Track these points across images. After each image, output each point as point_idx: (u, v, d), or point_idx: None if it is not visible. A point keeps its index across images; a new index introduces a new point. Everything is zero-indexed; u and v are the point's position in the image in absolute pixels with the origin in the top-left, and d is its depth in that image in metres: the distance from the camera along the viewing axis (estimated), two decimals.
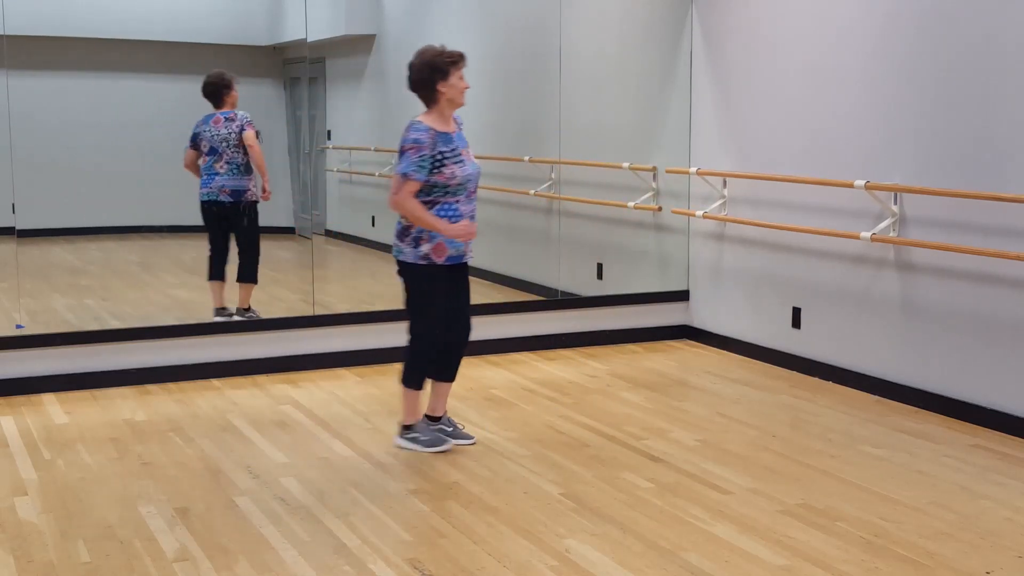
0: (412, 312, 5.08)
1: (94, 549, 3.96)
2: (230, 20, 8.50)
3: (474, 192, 5.03)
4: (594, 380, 6.44)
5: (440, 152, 4.85)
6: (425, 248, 4.91)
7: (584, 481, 4.67)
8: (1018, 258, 5.05)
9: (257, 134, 7.17)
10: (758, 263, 6.90)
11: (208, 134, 7.10)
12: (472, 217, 4.99)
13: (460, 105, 4.97)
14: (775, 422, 5.56)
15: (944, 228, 5.56)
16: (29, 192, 6.90)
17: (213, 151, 7.10)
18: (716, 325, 7.33)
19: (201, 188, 7.17)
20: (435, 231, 4.88)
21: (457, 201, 4.92)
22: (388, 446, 5.17)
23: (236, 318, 7.06)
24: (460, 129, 5.05)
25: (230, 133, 7.07)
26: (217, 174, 7.11)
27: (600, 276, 7.86)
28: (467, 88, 4.96)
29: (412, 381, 5.11)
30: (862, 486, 4.59)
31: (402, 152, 4.86)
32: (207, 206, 7.16)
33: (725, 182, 7.07)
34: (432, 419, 5.20)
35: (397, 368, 6.71)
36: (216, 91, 7.12)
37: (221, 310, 7.12)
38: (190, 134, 7.15)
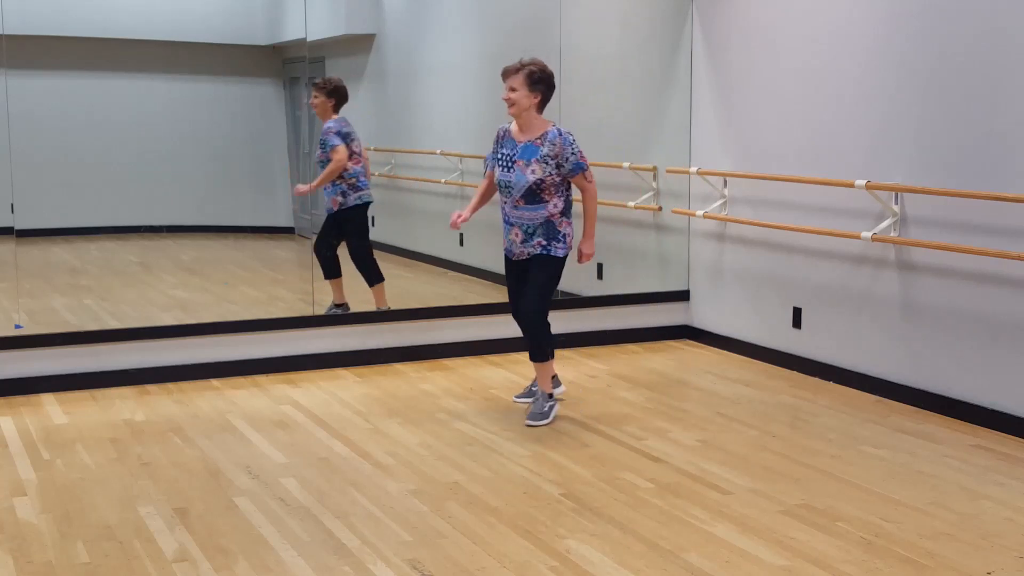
0: None
1: (93, 550, 3.95)
2: (230, 20, 8.50)
3: (508, 199, 5.56)
4: (594, 380, 6.43)
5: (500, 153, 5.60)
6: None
7: (584, 481, 4.66)
8: (1019, 258, 5.05)
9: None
10: (758, 263, 6.90)
11: (353, 135, 7.16)
12: (505, 219, 5.62)
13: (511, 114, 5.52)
14: (775, 422, 5.56)
15: (945, 228, 5.56)
16: (28, 192, 6.90)
17: (358, 155, 7.19)
18: (716, 325, 7.33)
19: (364, 190, 7.19)
20: None
21: (504, 202, 5.58)
22: (388, 446, 5.17)
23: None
24: (534, 142, 5.46)
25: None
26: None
27: (600, 276, 7.85)
28: (505, 99, 5.49)
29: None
30: (862, 486, 4.59)
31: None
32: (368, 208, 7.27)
33: (725, 182, 7.06)
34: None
35: (396, 368, 6.73)
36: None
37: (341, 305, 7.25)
38: (343, 133, 7.08)
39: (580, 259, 5.60)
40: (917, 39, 5.66)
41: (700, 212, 7.17)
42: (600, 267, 7.86)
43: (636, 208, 7.56)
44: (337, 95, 7.12)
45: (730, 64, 7.03)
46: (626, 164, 7.55)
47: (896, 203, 5.82)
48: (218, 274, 8.48)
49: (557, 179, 5.41)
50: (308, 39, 7.31)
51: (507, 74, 5.44)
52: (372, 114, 9.19)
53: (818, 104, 6.31)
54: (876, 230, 5.86)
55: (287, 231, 8.76)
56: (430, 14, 8.82)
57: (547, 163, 5.37)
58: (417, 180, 8.93)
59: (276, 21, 8.44)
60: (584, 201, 5.53)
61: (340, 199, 7.10)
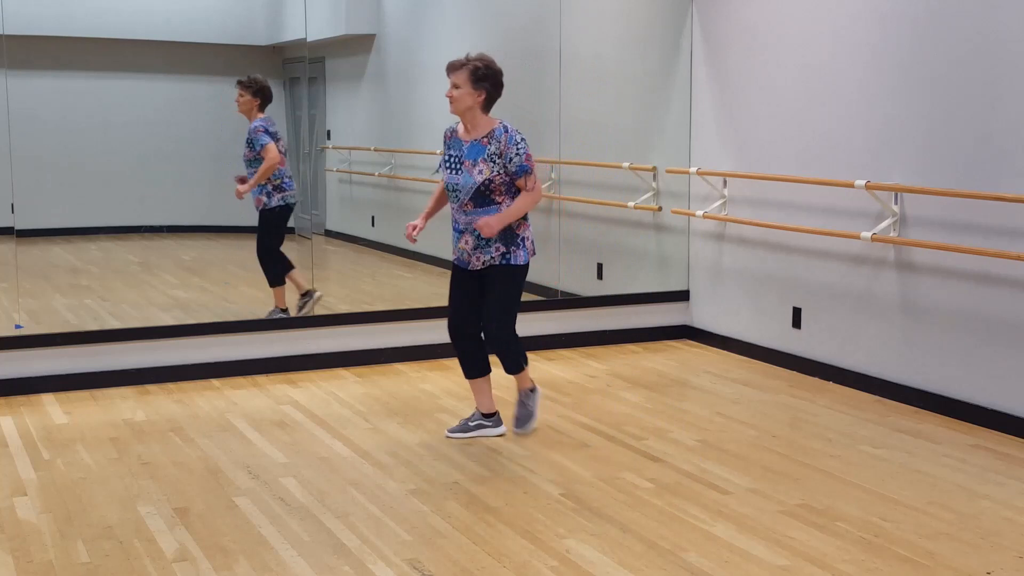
0: None
1: (93, 549, 3.96)
2: (230, 20, 8.50)
3: (456, 203, 5.20)
4: (594, 380, 6.44)
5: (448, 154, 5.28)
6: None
7: (584, 481, 4.67)
8: (1018, 258, 5.05)
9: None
10: (758, 263, 6.90)
11: (279, 135, 7.18)
12: (455, 226, 5.25)
13: (452, 112, 5.20)
14: (775, 422, 5.56)
15: (944, 228, 5.56)
16: (29, 192, 6.90)
17: (283, 155, 7.19)
18: (716, 325, 7.33)
19: (289, 191, 7.22)
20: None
21: (453, 208, 5.26)
22: (388, 446, 5.17)
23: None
24: (480, 141, 5.13)
25: None
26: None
27: (600, 276, 7.86)
28: (447, 96, 5.15)
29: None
30: (862, 486, 4.59)
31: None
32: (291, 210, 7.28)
33: (725, 182, 7.07)
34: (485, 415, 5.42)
35: (396, 368, 6.74)
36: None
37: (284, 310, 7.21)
38: (271, 132, 7.10)
39: (475, 225, 5.06)
40: (916, 39, 5.66)
41: (700, 212, 7.18)
42: (600, 267, 7.87)
43: (636, 208, 7.56)
44: (263, 95, 7.15)
45: (730, 64, 7.03)
46: (626, 164, 7.55)
47: (896, 203, 5.82)
48: (218, 274, 8.48)
49: (507, 178, 5.04)
50: (308, 39, 7.31)
51: (451, 70, 5.09)
52: (372, 114, 9.19)
53: (818, 104, 6.32)
54: (876, 230, 5.86)
55: (288, 231, 8.76)
56: (430, 14, 8.82)
57: (494, 162, 5.03)
58: (417, 180, 8.94)
59: (276, 21, 8.44)
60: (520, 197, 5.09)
61: (264, 199, 7.13)
